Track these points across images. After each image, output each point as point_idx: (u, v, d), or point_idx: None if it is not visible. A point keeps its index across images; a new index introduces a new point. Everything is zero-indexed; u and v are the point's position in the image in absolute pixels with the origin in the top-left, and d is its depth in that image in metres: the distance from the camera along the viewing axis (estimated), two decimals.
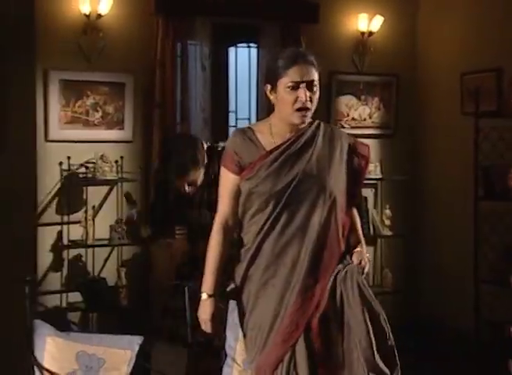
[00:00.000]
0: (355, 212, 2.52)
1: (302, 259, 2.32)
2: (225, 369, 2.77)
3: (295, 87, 2.30)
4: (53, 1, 4.20)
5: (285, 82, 2.31)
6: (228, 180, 2.38)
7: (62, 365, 2.51)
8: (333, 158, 2.37)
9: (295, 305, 2.30)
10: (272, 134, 2.38)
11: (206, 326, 2.43)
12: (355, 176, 2.39)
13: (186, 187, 3.32)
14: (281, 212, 2.32)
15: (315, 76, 2.33)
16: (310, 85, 2.32)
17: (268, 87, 2.38)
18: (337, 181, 2.36)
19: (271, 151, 2.35)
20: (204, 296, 2.41)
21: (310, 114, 2.36)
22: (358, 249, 2.44)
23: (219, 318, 2.42)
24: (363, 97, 5.08)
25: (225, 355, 2.79)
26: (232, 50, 4.87)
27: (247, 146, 2.37)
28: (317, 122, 2.45)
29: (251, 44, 4.89)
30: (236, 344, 2.77)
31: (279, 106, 2.34)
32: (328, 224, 2.32)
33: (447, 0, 5.02)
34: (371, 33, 4.97)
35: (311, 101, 2.32)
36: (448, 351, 4.46)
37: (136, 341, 2.62)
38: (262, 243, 2.34)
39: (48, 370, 2.49)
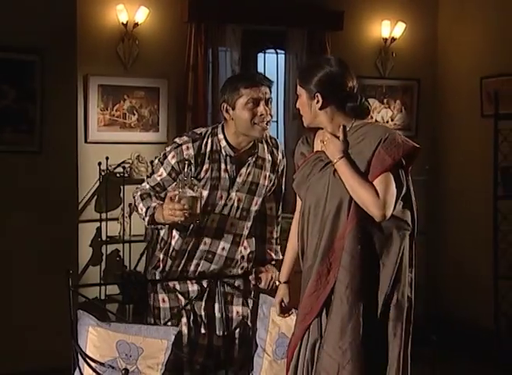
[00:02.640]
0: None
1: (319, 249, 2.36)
2: (256, 359, 2.81)
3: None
4: (93, 11, 4.25)
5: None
6: None
7: (103, 353, 2.54)
8: None
9: (310, 290, 2.34)
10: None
11: (276, 308, 2.59)
12: None
13: None
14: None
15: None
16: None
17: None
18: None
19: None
20: (277, 283, 2.61)
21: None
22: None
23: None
24: (385, 100, 5.07)
25: (256, 346, 2.82)
26: (260, 55, 4.88)
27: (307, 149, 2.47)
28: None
29: (279, 50, 4.90)
30: (266, 336, 2.80)
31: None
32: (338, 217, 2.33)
33: (466, 6, 4.99)
34: (393, 40, 4.96)
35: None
36: (468, 346, 4.43)
37: (172, 332, 2.64)
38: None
39: (90, 358, 2.52)
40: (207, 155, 2.65)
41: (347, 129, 2.34)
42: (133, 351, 2.56)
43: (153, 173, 2.71)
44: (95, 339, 2.55)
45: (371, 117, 5.02)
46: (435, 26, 5.18)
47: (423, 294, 4.88)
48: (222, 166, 2.67)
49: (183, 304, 2.78)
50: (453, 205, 5.02)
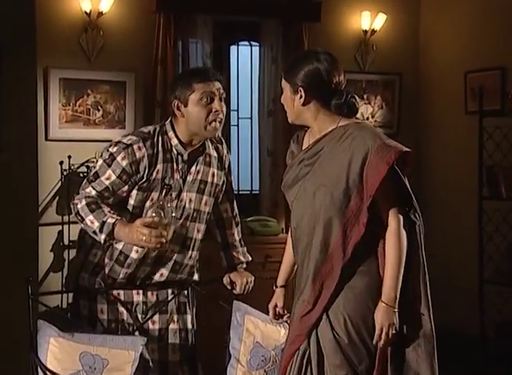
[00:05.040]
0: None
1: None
2: (230, 370, 2.81)
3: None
4: None
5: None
6: None
7: (65, 366, 2.52)
8: None
9: (299, 313, 2.38)
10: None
11: (270, 312, 2.64)
12: None
13: None
14: None
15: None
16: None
17: None
18: None
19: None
20: (274, 287, 2.63)
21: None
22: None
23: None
24: (365, 96, 5.10)
25: (230, 356, 2.82)
26: (233, 48, 4.89)
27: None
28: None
29: (253, 43, 4.90)
30: (239, 345, 2.80)
31: None
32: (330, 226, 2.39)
33: None
34: (373, 32, 4.99)
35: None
36: (453, 352, 4.47)
37: (139, 342, 2.63)
38: None
39: (51, 371, 2.51)
40: (159, 155, 2.64)
41: (333, 128, 2.35)
42: (98, 364, 2.55)
43: (97, 176, 2.62)
44: (56, 351, 2.54)
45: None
46: (418, 17, 5.23)
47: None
48: (174, 165, 2.66)
49: (124, 317, 2.72)
50: (436, 206, 5.07)
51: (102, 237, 2.56)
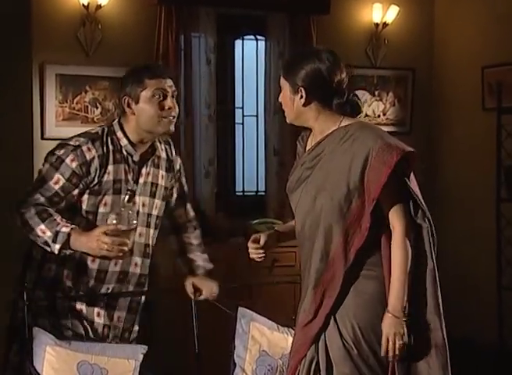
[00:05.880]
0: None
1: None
2: None
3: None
4: None
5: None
6: None
7: None
8: None
9: (302, 321, 2.37)
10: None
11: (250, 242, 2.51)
12: None
13: None
14: None
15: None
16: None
17: None
18: None
19: None
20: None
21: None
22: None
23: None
24: (377, 92, 5.09)
25: (234, 365, 2.81)
26: (238, 42, 4.88)
27: None
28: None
29: (259, 37, 4.90)
30: (245, 354, 2.80)
31: None
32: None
33: None
34: (385, 25, 4.97)
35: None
36: (472, 361, 4.45)
37: (140, 351, 2.63)
38: None
39: None
40: (110, 156, 2.62)
41: (335, 128, 2.34)
42: (97, 373, 2.55)
43: (45, 181, 2.56)
44: (53, 360, 2.53)
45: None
46: (432, 9, 5.21)
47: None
48: (125, 167, 2.65)
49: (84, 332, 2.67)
50: (452, 209, 5.05)
51: (57, 247, 2.48)
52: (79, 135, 2.67)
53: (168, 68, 2.72)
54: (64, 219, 2.53)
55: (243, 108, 4.90)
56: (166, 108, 2.61)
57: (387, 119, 5.13)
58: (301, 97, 2.34)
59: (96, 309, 2.69)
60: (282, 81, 2.40)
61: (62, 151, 2.60)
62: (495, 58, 4.74)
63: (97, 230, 2.47)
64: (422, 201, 2.36)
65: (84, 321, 2.68)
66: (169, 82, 2.64)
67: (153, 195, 2.73)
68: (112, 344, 2.66)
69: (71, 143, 2.62)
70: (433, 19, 5.22)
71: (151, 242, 2.75)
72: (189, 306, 2.87)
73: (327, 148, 2.35)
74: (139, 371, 2.60)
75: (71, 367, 2.53)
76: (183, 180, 2.90)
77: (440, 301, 2.34)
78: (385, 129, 4.96)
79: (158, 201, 2.75)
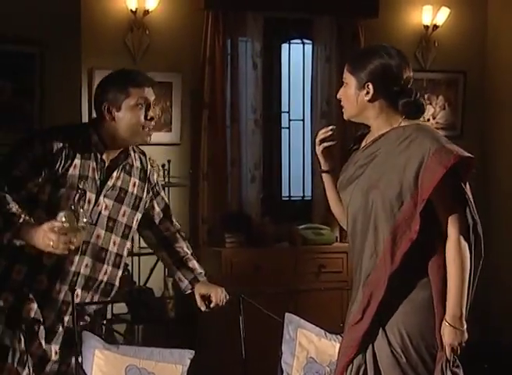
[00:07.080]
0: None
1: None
2: None
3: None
4: None
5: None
6: None
7: None
8: None
9: (352, 320, 2.36)
10: None
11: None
12: None
13: None
14: None
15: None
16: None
17: None
18: None
19: None
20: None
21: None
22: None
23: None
24: (426, 96, 5.06)
25: (282, 372, 2.83)
26: (285, 46, 4.91)
27: None
28: None
29: (305, 40, 4.92)
30: (292, 361, 2.81)
31: None
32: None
33: None
34: (435, 27, 4.95)
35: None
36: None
37: (187, 355, 2.67)
38: None
39: None
40: (77, 150, 2.60)
41: (392, 128, 2.34)
42: None
43: (7, 167, 2.53)
44: (102, 363, 2.58)
45: None
46: (485, 11, 5.16)
47: (471, 321, 4.84)
48: (93, 164, 2.64)
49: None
50: (505, 216, 4.98)
51: (7, 236, 2.44)
52: (51, 127, 2.74)
53: (148, 76, 2.71)
54: (19, 210, 2.49)
55: (289, 112, 4.92)
56: (148, 118, 2.61)
57: (437, 123, 5.09)
58: (367, 93, 2.32)
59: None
60: (347, 76, 2.36)
61: (28, 140, 2.62)
62: None
63: (44, 225, 2.41)
64: (475, 212, 2.33)
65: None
66: (151, 91, 2.64)
67: (120, 201, 2.69)
68: (159, 348, 2.70)
69: (40, 133, 2.69)
70: (486, 21, 5.16)
71: (111, 248, 2.69)
72: (236, 312, 2.90)
73: (382, 147, 2.33)
74: None
75: (119, 371, 2.58)
76: (162, 193, 2.89)
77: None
78: None
79: (126, 209, 2.71)
